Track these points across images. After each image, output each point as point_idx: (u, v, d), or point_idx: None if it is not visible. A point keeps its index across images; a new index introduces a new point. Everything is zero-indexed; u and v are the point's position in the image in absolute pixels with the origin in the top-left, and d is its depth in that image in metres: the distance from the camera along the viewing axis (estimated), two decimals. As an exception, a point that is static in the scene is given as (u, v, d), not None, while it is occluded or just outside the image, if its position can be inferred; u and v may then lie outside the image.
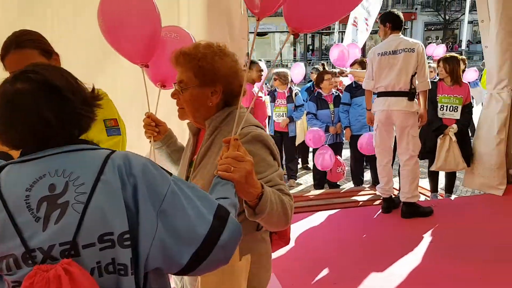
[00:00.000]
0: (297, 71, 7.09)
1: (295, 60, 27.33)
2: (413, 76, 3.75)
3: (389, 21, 3.91)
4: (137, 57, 1.69)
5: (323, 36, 27.07)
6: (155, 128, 1.62)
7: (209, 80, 1.34)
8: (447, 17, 35.77)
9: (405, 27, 23.77)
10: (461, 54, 11.22)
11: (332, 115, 5.46)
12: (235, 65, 1.39)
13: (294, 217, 4.13)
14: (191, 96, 1.36)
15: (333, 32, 13.81)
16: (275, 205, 1.22)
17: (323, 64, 9.54)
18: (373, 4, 8.81)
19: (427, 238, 3.45)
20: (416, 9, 37.87)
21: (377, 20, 7.92)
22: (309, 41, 33.10)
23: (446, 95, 4.49)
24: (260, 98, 5.20)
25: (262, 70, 5.03)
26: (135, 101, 2.21)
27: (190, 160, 1.47)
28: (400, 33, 3.92)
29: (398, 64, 3.77)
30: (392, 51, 3.81)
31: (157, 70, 1.75)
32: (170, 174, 1.01)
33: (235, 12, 3.63)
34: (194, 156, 1.45)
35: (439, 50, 7.21)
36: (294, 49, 30.01)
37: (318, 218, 3.98)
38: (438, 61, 4.64)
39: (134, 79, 1.99)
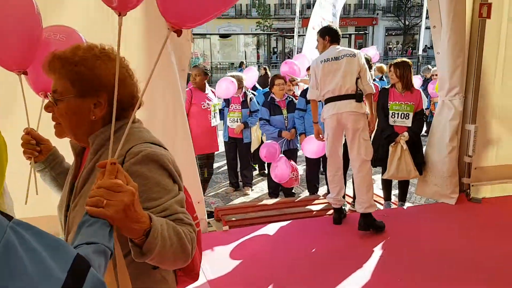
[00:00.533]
0: (249, 75, 6.80)
1: (258, 63, 27.21)
2: (357, 79, 3.68)
3: (329, 35, 3.90)
4: (13, 64, 1.42)
5: (286, 39, 27.10)
6: (35, 147, 1.36)
7: (89, 89, 1.11)
8: (407, 23, 36.76)
9: (366, 32, 24.19)
10: (418, 60, 11.48)
11: (286, 121, 5.28)
12: (123, 71, 1.15)
13: (244, 230, 3.97)
14: (68, 109, 1.12)
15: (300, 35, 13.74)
16: (169, 240, 1.00)
17: (265, 68, 9.39)
18: (339, 7, 8.79)
19: (377, 251, 3.31)
20: (377, 14, 38.77)
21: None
22: (273, 44, 33.16)
23: (397, 102, 4.41)
24: (207, 107, 4.94)
25: (201, 75, 4.75)
26: (11, 114, 1.90)
27: (71, 185, 1.22)
28: (338, 45, 3.90)
29: (342, 68, 3.73)
30: (335, 57, 3.79)
31: (37, 77, 1.48)
32: (10, 218, 0.76)
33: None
34: (76, 180, 1.20)
35: (372, 51, 7.19)
36: (258, 52, 29.91)
37: (270, 230, 3.78)
38: (389, 66, 4.56)
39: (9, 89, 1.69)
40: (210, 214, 4.75)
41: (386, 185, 4.68)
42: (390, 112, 4.42)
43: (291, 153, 5.35)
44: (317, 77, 3.88)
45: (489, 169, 4.45)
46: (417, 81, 7.34)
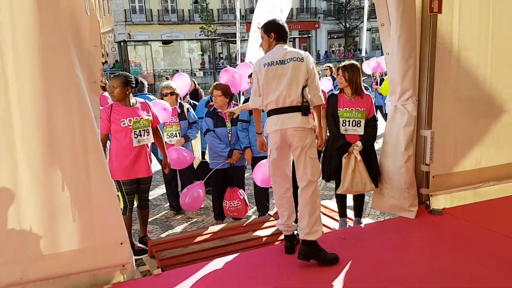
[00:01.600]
0: (179, 82, 6.06)
1: (203, 69, 26.50)
2: (304, 88, 3.21)
3: (274, 31, 3.38)
4: None
5: (230, 44, 26.64)
6: None
7: None
8: (347, 25, 37.53)
9: (309, 35, 24.26)
10: (362, 62, 11.34)
11: (229, 134, 4.73)
12: None
13: (182, 272, 3.17)
14: None
15: (244, 39, 13.30)
16: None
17: (193, 82, 8.80)
18: (285, 12, 8.35)
19: (337, 285, 2.84)
20: (319, 18, 39.37)
21: (259, 27, 7.47)
22: (218, 49, 32.63)
23: (348, 109, 4.00)
24: (127, 125, 4.04)
25: (120, 86, 3.95)
26: None
27: None
28: (286, 45, 3.39)
29: (287, 74, 3.22)
30: (280, 60, 3.26)
31: None
32: None
33: (80, 13, 2.74)
34: None
35: (372, 63, 6.74)
36: (203, 58, 29.24)
37: (213, 267, 3.19)
38: (337, 69, 4.15)
39: None
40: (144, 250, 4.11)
41: (341, 200, 4.25)
42: (341, 119, 4.00)
43: (236, 173, 4.81)
44: (260, 82, 3.37)
45: (448, 176, 4.13)
46: (326, 82, 6.84)
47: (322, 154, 4.37)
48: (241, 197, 4.74)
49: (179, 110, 5.34)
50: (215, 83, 4.98)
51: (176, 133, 5.28)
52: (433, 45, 3.78)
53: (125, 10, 34.11)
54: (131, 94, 4.03)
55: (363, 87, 4.10)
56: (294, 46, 21.04)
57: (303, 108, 3.19)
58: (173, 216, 5.34)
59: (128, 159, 3.91)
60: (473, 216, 3.93)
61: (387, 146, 4.01)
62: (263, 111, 3.50)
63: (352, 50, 38.40)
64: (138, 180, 4.09)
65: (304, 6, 39.36)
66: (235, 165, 4.73)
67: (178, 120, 5.32)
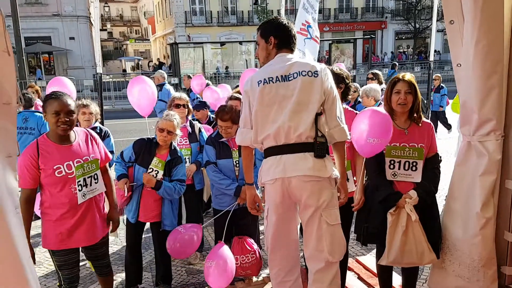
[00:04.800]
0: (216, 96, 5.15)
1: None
2: (318, 115, 2.21)
3: (274, 34, 2.40)
4: None
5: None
6: None
7: None
8: (417, 26, 34.98)
9: (372, 36, 22.54)
10: (429, 67, 9.80)
11: (236, 168, 3.66)
12: None
13: None
14: None
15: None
16: None
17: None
18: (316, 8, 7.00)
19: None
20: (386, 17, 37.12)
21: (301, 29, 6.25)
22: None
23: (398, 144, 2.78)
24: (65, 173, 2.73)
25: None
26: None
27: None
28: (292, 54, 2.41)
29: (293, 96, 2.22)
30: (282, 76, 2.24)
31: None
32: None
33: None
34: None
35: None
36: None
37: None
38: (394, 83, 2.88)
39: None
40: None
41: (384, 274, 3.03)
42: (387, 160, 2.78)
43: (247, 214, 3.71)
44: (252, 108, 2.35)
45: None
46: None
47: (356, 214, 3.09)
48: (254, 248, 3.66)
49: (189, 130, 4.36)
50: (220, 108, 3.80)
51: (186, 158, 4.28)
52: (532, 55, 2.47)
53: (185, 12, 34.21)
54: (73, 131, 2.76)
55: (421, 113, 2.86)
56: (355, 48, 19.32)
57: (318, 147, 2.21)
58: (172, 259, 4.35)
59: (68, 224, 2.69)
60: None
61: (455, 202, 2.74)
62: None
63: (422, 52, 35.71)
64: (93, 246, 2.91)
65: (370, 5, 37.27)
66: (245, 205, 3.65)
67: (188, 142, 4.33)
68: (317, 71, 2.26)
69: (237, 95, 4.55)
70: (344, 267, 3.07)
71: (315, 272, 2.28)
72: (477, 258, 2.61)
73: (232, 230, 3.67)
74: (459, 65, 2.64)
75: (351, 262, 3.86)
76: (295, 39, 2.48)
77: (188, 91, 8.49)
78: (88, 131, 2.90)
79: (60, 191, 2.64)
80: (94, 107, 4.16)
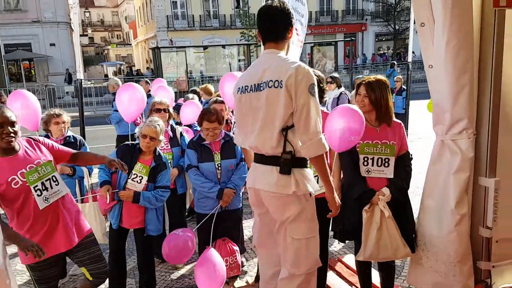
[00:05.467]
0: (187, 110, 5.07)
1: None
2: (286, 129, 2.11)
3: (258, 26, 2.31)
4: None
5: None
6: None
7: None
8: (397, 27, 35.49)
9: (353, 38, 22.77)
10: (408, 68, 9.97)
11: (219, 172, 3.67)
12: None
13: None
14: None
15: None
16: None
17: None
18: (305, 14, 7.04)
19: None
20: (366, 20, 37.55)
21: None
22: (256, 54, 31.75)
23: (371, 142, 2.85)
24: (21, 183, 2.62)
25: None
26: None
27: None
28: (280, 51, 2.27)
29: (262, 108, 2.15)
30: (255, 85, 2.18)
31: None
32: None
33: None
34: None
35: None
36: (244, 63, 28.39)
37: None
38: (357, 86, 3.00)
39: None
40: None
41: (363, 271, 3.09)
42: (361, 157, 2.86)
43: (230, 217, 3.74)
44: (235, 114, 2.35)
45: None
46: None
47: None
48: (235, 248, 3.70)
49: (171, 134, 4.37)
50: (204, 111, 3.83)
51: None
52: (499, 55, 2.55)
53: (167, 16, 34.06)
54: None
55: (393, 113, 2.93)
56: (336, 51, 19.49)
57: (282, 164, 2.11)
58: (156, 265, 4.34)
59: (39, 235, 2.61)
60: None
61: (430, 200, 2.80)
62: None
63: (402, 53, 36.22)
64: (66, 253, 2.81)
65: (351, 8, 37.67)
66: (228, 208, 3.67)
67: (169, 147, 4.34)
68: (282, 81, 2.08)
69: (221, 99, 4.57)
70: (324, 267, 3.11)
71: (279, 280, 2.31)
72: (453, 254, 2.67)
73: (215, 233, 3.69)
74: (430, 66, 2.71)
75: (333, 261, 3.91)
76: (284, 30, 2.24)
77: (148, 96, 8.35)
78: (30, 137, 2.82)
79: (22, 203, 2.57)
80: (66, 116, 4.10)
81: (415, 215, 2.98)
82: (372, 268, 3.17)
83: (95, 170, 3.79)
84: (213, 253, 3.33)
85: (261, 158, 2.18)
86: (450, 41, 2.49)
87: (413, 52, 10.75)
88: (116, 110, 7.35)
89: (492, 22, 2.52)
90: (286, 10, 2.23)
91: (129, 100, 4.29)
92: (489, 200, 2.65)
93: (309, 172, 2.30)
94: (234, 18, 35.37)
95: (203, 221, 3.57)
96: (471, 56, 2.55)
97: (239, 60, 28.05)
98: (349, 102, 6.31)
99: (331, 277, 3.51)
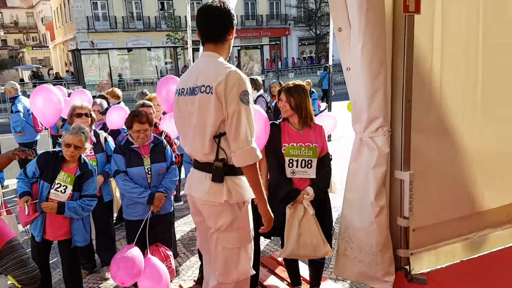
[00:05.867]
0: (115, 114, 4.92)
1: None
2: (219, 136, 2.09)
3: (198, 25, 2.22)
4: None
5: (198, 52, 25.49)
6: None
7: None
8: (318, 32, 37.03)
9: (278, 42, 23.41)
10: (329, 71, 10.45)
11: (149, 176, 3.61)
12: None
13: None
14: None
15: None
16: None
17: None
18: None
19: None
20: (289, 24, 38.71)
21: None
22: (189, 56, 31.45)
23: (295, 144, 2.98)
24: None
25: None
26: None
27: None
28: (219, 54, 2.24)
29: (195, 113, 2.12)
30: (191, 88, 2.14)
31: None
32: None
33: None
34: None
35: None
36: (172, 66, 27.89)
37: None
38: (279, 92, 3.13)
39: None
40: None
41: (291, 266, 3.21)
42: (287, 159, 2.97)
43: (161, 221, 3.68)
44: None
45: (432, 228, 3.13)
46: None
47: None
48: (168, 253, 3.64)
49: (94, 140, 4.20)
50: (133, 113, 3.75)
51: (92, 168, 4.12)
52: (410, 57, 2.77)
53: (87, 17, 32.57)
54: None
55: (313, 116, 3.09)
56: (262, 54, 19.95)
57: (214, 171, 2.09)
58: (84, 276, 4.14)
59: None
60: (466, 281, 2.95)
61: (351, 194, 2.97)
62: None
63: (324, 56, 37.87)
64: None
65: (274, 13, 38.66)
66: (159, 213, 3.61)
67: (93, 153, 4.17)
68: (212, 87, 2.04)
69: (149, 102, 4.49)
70: (256, 264, 3.18)
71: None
72: (374, 244, 2.85)
73: (148, 239, 3.61)
74: (348, 69, 2.87)
75: (265, 259, 3.99)
76: (225, 26, 2.17)
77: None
78: None
79: None
80: None
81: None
82: (303, 262, 3.29)
83: (9, 181, 3.54)
84: (154, 261, 3.26)
85: (196, 164, 2.17)
86: (365, 45, 2.66)
87: (332, 56, 11.26)
88: (17, 111, 6.88)
89: (402, 27, 2.74)
90: (227, 11, 2.18)
91: (44, 102, 4.09)
92: (405, 192, 2.87)
93: (244, 180, 2.25)
94: (159, 20, 34.71)
95: (141, 226, 3.45)
96: (384, 59, 2.74)
97: (165, 63, 27.60)
98: (267, 105, 6.45)
99: (263, 273, 3.59)
